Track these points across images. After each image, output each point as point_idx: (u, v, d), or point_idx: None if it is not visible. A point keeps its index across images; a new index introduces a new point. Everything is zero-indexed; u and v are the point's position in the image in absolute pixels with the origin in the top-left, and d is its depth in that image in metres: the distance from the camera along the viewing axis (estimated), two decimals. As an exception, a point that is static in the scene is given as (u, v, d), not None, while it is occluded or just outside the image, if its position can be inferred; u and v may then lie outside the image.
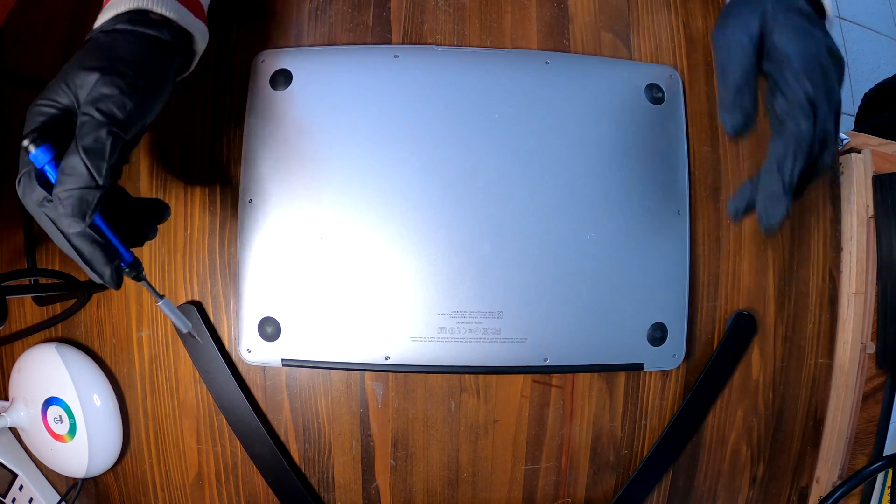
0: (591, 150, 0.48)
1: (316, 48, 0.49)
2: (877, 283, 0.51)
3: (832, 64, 0.36)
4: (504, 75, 0.49)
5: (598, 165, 0.48)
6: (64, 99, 0.34)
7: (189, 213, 0.49)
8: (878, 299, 0.51)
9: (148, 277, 0.49)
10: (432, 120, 0.48)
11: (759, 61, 0.37)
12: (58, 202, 0.32)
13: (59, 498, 0.52)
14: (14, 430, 0.52)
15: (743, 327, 0.50)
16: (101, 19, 0.38)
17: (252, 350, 0.47)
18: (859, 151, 0.52)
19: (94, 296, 0.49)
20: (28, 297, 0.50)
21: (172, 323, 0.40)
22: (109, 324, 0.50)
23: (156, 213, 0.40)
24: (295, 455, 0.49)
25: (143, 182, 0.49)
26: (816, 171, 0.37)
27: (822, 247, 0.52)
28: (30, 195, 0.33)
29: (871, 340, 0.51)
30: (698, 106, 0.51)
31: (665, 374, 0.50)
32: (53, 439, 0.48)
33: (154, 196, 0.49)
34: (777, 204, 0.36)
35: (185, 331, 0.41)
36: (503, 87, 0.48)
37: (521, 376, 0.49)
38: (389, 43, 0.50)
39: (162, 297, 0.39)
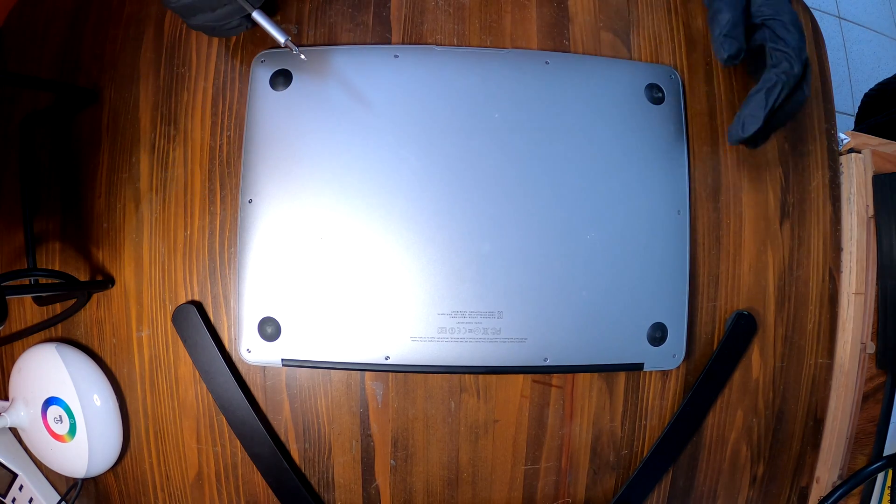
0: (592, 150, 0.49)
1: (316, 48, 0.49)
2: (877, 283, 0.51)
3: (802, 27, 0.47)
4: (504, 75, 0.49)
5: (598, 165, 0.48)
6: None
7: (189, 213, 0.49)
8: (878, 299, 0.51)
9: (147, 277, 0.49)
10: (432, 120, 0.48)
11: (748, 16, 0.46)
12: None
13: (59, 498, 0.52)
14: (14, 430, 0.52)
15: (743, 327, 0.50)
16: None
17: (252, 350, 0.47)
18: (859, 151, 0.52)
19: (94, 296, 0.49)
20: (28, 297, 0.50)
21: (271, 34, 0.43)
22: (109, 324, 0.50)
23: None
24: (295, 455, 0.49)
25: (142, 182, 0.49)
26: (793, 105, 0.46)
27: (822, 247, 0.52)
28: None
29: (871, 340, 0.51)
30: (698, 106, 0.51)
31: (665, 374, 0.50)
32: (53, 439, 0.48)
33: (154, 195, 0.49)
34: (755, 120, 0.45)
35: (283, 40, 0.43)
36: (503, 87, 0.48)
37: (521, 376, 0.49)
38: (389, 43, 0.50)
39: (254, 7, 0.42)
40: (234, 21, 0.45)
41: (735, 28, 0.45)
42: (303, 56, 0.46)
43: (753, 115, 0.45)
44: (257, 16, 0.43)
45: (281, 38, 0.43)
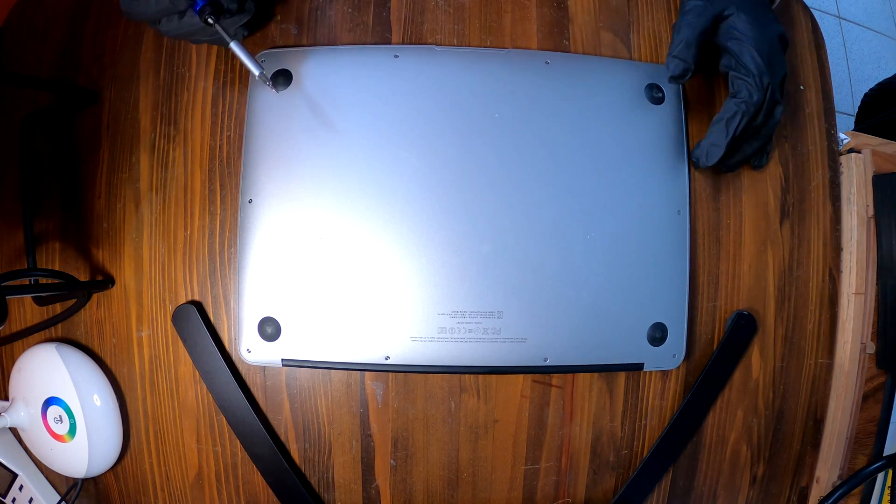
0: (592, 150, 0.49)
1: (316, 48, 0.49)
2: (877, 283, 0.51)
3: (780, 47, 0.46)
4: (504, 75, 0.49)
5: (598, 165, 0.48)
6: None
7: (189, 213, 0.49)
8: (878, 299, 0.51)
9: (147, 277, 0.49)
10: (432, 120, 0.48)
11: (712, 33, 0.46)
12: None
13: (59, 498, 0.52)
14: (14, 430, 0.52)
15: (743, 327, 0.50)
16: None
17: (252, 350, 0.47)
18: (859, 151, 0.52)
19: (94, 296, 0.49)
20: (28, 297, 0.50)
21: (245, 65, 0.43)
22: (109, 324, 0.50)
23: None
24: (295, 455, 0.49)
25: (143, 182, 0.49)
26: (755, 132, 0.46)
27: (822, 247, 0.52)
28: None
29: (871, 340, 0.51)
30: (698, 106, 0.51)
31: (665, 374, 0.50)
32: (53, 439, 0.48)
33: (154, 195, 0.49)
34: (717, 149, 0.46)
35: (257, 73, 0.43)
36: (503, 87, 0.48)
37: (521, 376, 0.49)
38: (389, 43, 0.50)
39: (232, 38, 0.42)
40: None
41: (686, 49, 0.45)
42: (276, 90, 0.47)
43: (716, 143, 0.46)
44: (234, 47, 0.43)
45: (256, 71, 0.43)
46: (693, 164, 0.49)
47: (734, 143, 0.46)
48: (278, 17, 0.50)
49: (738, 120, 0.45)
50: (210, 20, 0.41)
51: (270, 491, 0.49)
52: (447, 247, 0.47)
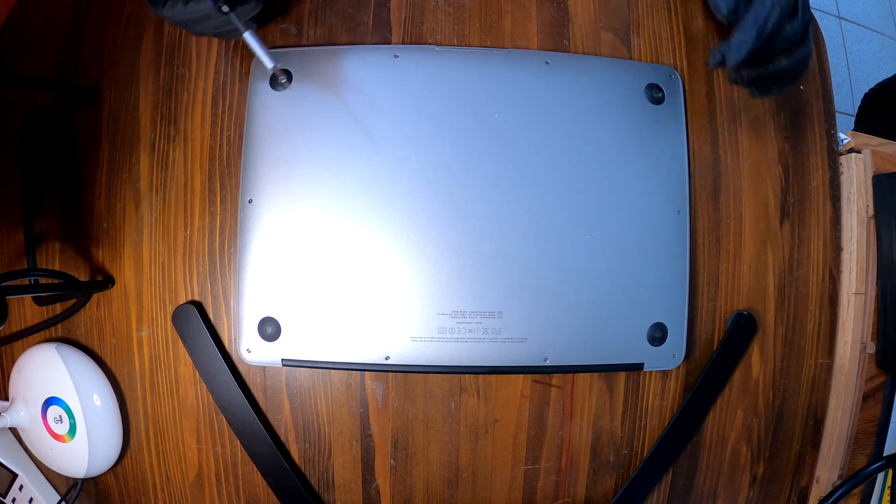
0: (592, 150, 0.49)
1: (316, 48, 0.49)
2: (877, 283, 0.51)
3: None
4: (504, 75, 0.49)
5: (598, 165, 0.48)
6: None
7: (189, 213, 0.49)
8: (878, 299, 0.51)
9: (147, 277, 0.49)
10: (432, 120, 0.48)
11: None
12: None
13: (59, 498, 0.52)
14: (14, 430, 0.52)
15: (743, 327, 0.50)
16: None
17: (252, 350, 0.47)
18: (859, 151, 0.52)
19: (94, 296, 0.49)
20: (28, 297, 0.50)
21: (259, 57, 0.43)
22: (109, 324, 0.50)
23: None
24: (295, 455, 0.49)
25: (142, 182, 0.49)
26: (785, 43, 0.43)
27: (822, 247, 0.52)
28: None
29: (871, 340, 0.51)
30: (698, 106, 0.51)
31: (665, 374, 0.50)
32: (53, 439, 0.48)
33: (154, 195, 0.49)
34: (744, 45, 0.42)
35: (270, 66, 0.42)
36: (503, 87, 0.48)
37: (521, 376, 0.49)
38: (389, 43, 0.50)
39: (246, 28, 0.42)
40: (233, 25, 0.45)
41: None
42: (281, 87, 0.46)
43: (747, 36, 0.42)
44: (248, 37, 0.42)
45: (269, 64, 0.43)
46: (715, 62, 0.45)
47: (765, 46, 0.42)
48: (278, 17, 0.50)
49: (769, 13, 0.41)
50: (225, 9, 0.40)
51: (270, 491, 0.49)
52: (447, 247, 0.47)
